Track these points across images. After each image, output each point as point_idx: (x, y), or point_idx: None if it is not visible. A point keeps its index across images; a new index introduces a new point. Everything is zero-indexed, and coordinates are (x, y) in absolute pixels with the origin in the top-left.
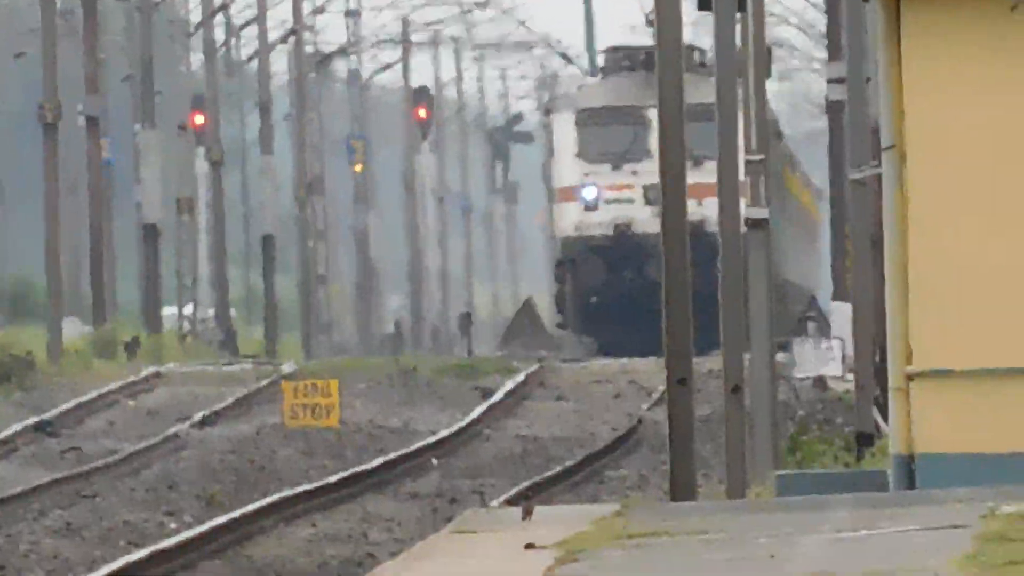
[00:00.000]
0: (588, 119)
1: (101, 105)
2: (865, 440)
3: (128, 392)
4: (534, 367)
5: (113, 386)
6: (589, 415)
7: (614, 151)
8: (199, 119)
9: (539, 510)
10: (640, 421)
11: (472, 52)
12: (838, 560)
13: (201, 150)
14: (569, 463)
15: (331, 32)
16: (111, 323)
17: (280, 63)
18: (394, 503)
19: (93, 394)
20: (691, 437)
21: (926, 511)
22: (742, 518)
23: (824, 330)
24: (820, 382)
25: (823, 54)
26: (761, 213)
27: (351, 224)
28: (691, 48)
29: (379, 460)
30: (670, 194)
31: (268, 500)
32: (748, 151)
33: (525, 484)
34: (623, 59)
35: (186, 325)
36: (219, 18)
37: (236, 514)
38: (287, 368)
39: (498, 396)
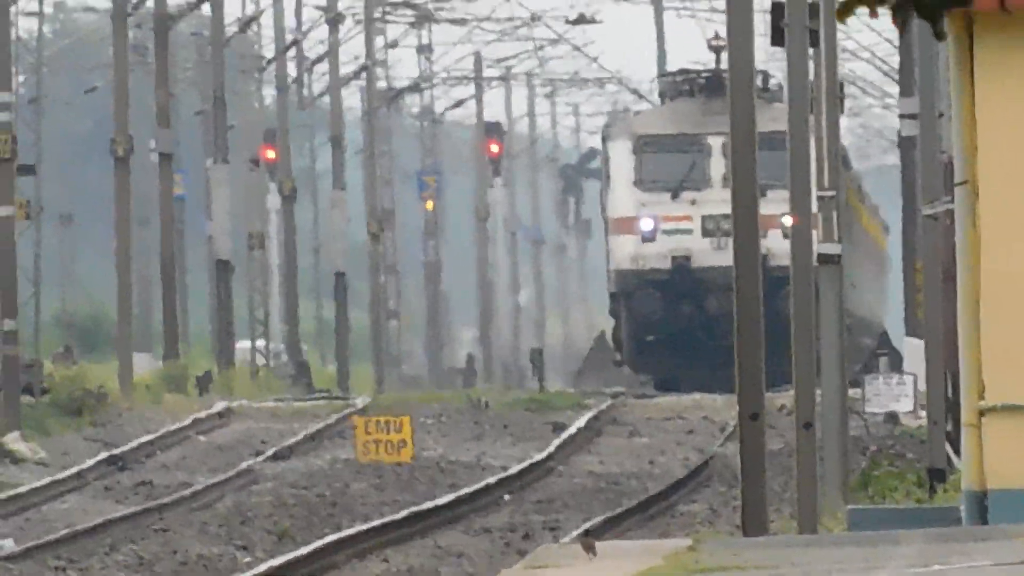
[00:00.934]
0: (646, 146)
1: (173, 140)
2: (937, 475)
3: (200, 427)
4: (607, 403)
5: (185, 421)
6: (661, 450)
7: (672, 180)
8: (271, 153)
9: (611, 544)
10: (712, 456)
11: (544, 88)
12: None
13: (273, 184)
14: (641, 498)
15: (403, 67)
16: (183, 357)
17: (352, 98)
18: (466, 537)
19: (165, 428)
20: (763, 472)
21: (999, 547)
22: (814, 552)
23: (896, 365)
24: (892, 418)
25: (895, 89)
26: (833, 249)
27: (423, 258)
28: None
29: (451, 495)
30: (742, 226)
31: (341, 534)
32: (820, 187)
33: (598, 519)
34: (683, 84)
35: (259, 359)
36: (291, 53)
37: (309, 548)
38: (359, 402)
39: (570, 431)
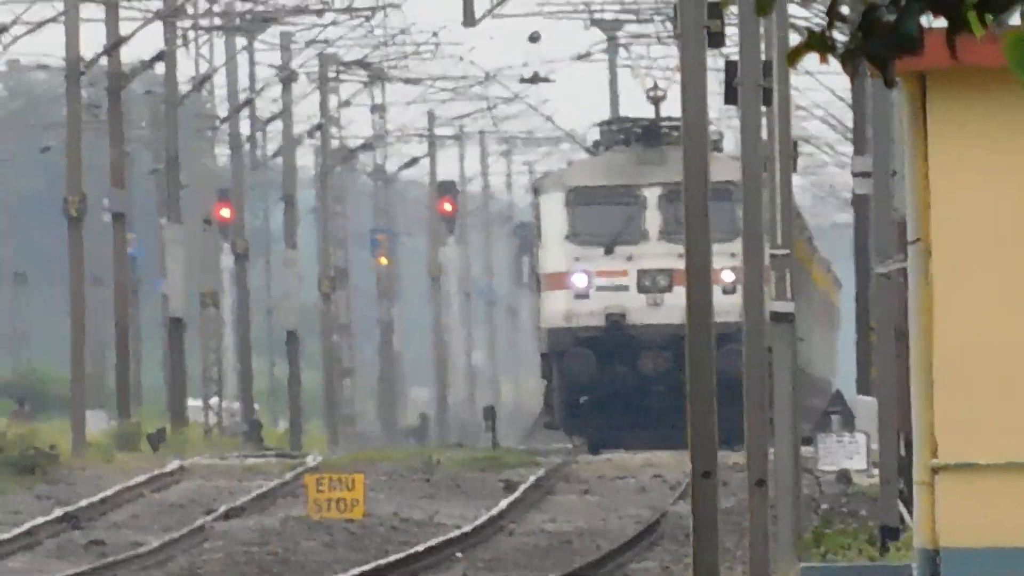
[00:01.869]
0: (578, 199)
1: (126, 199)
2: (890, 533)
3: (153, 485)
4: (560, 459)
5: (139, 479)
6: (613, 508)
7: (607, 234)
8: (225, 212)
9: None
10: (664, 514)
11: (499, 147)
12: None
13: (226, 244)
14: (593, 557)
15: (357, 127)
16: (136, 415)
17: (306, 157)
18: None
19: (118, 487)
20: (715, 529)
21: None
22: None
23: (848, 423)
24: (844, 476)
25: (849, 148)
26: (787, 307)
27: (377, 317)
28: None
29: (403, 553)
30: (696, 280)
31: None
32: (773, 244)
33: None
34: (618, 133)
35: (211, 417)
36: (245, 112)
37: None
38: (311, 461)
39: (521, 490)
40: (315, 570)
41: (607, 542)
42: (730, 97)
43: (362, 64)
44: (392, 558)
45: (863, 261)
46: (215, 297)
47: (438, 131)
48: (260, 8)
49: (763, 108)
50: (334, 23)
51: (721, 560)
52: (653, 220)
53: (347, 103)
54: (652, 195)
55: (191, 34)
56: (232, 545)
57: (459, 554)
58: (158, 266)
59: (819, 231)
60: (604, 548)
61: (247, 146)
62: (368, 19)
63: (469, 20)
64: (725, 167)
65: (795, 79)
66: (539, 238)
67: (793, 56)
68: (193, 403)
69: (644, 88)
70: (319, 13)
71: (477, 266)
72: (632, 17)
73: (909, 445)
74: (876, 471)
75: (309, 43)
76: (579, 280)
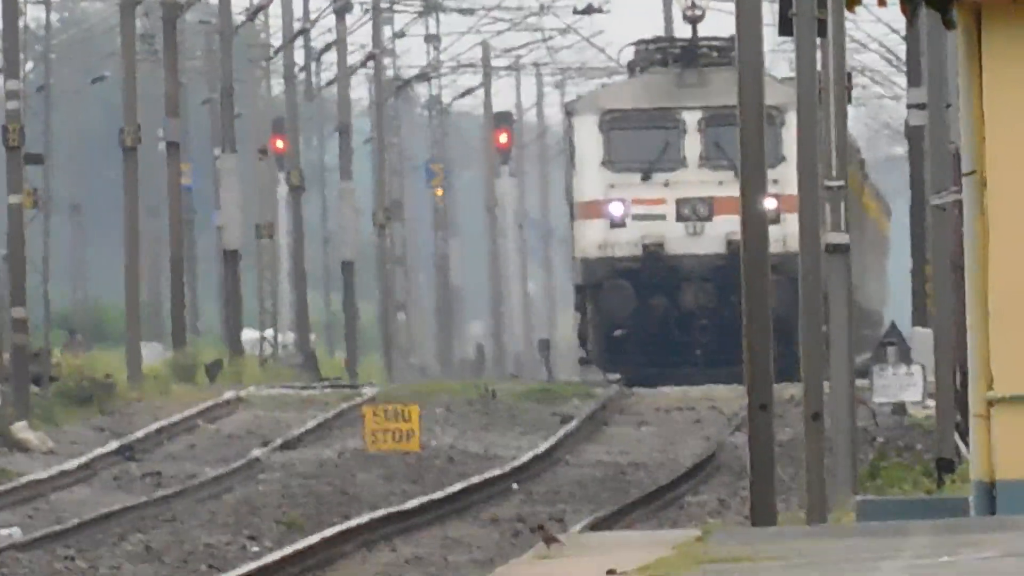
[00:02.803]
0: (614, 123)
1: (181, 129)
2: (946, 466)
3: (209, 416)
4: (615, 391)
5: (194, 410)
6: (670, 440)
7: (644, 159)
8: (279, 143)
9: (620, 535)
10: (720, 446)
11: (553, 78)
12: None
13: (281, 175)
14: (649, 489)
15: (411, 57)
16: (191, 347)
17: (360, 88)
18: (474, 528)
19: (174, 418)
20: (772, 463)
21: (1007, 537)
22: (822, 543)
23: (904, 355)
24: (900, 408)
25: (903, 80)
26: (841, 239)
27: (432, 249)
28: (734, 40)
29: (459, 485)
30: (749, 211)
31: (349, 524)
32: (828, 176)
33: (607, 511)
34: (655, 53)
35: (267, 349)
36: (299, 42)
37: (317, 538)
38: (368, 392)
39: (576, 422)
40: (371, 501)
41: (663, 474)
42: (784, 29)
43: None
44: (448, 490)
45: (918, 193)
46: (270, 229)
47: (493, 62)
48: None
49: (817, 40)
50: None
51: (777, 493)
52: (692, 145)
53: (401, 33)
54: (692, 119)
55: None
56: (288, 477)
57: (515, 485)
58: (213, 197)
59: (873, 164)
60: (660, 480)
61: (301, 76)
62: None
63: None
64: (768, 91)
65: (849, 12)
66: (572, 164)
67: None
68: (249, 334)
69: (681, 7)
70: None
71: (532, 198)
72: None
73: (966, 377)
74: (932, 404)
75: None
76: (615, 208)
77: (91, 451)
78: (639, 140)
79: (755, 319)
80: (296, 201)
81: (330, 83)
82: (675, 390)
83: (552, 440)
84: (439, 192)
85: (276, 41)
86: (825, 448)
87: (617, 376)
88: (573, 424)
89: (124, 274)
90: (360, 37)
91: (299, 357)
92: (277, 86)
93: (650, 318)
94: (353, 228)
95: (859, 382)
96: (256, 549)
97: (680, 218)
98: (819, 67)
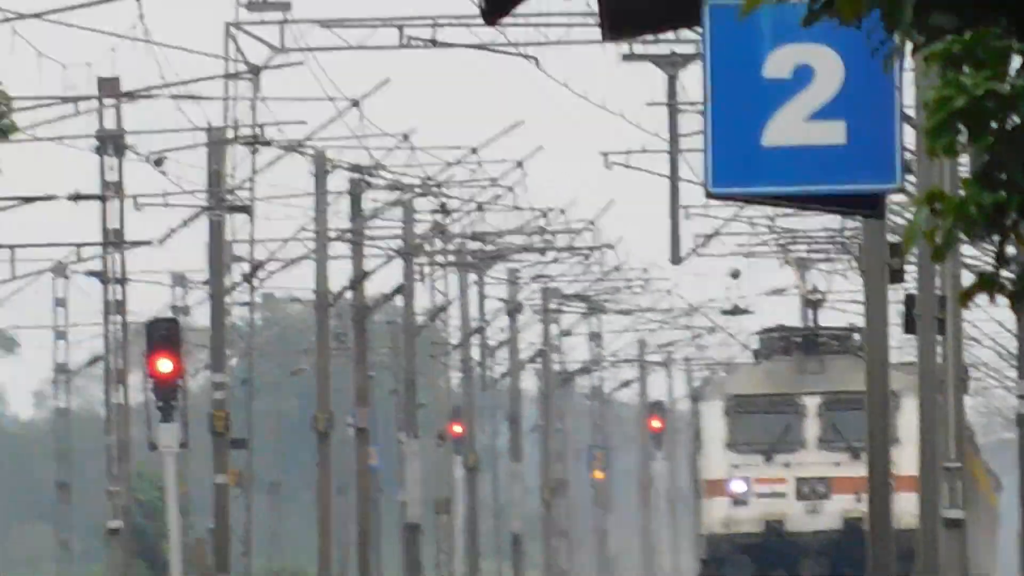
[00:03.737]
0: (739, 407)
1: (369, 417)
2: None
3: None
4: None
5: None
6: None
7: (766, 441)
8: (457, 428)
9: None
10: None
11: (701, 373)
12: None
13: (458, 457)
14: None
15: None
16: None
17: (529, 380)
18: None
19: None
20: None
21: None
22: None
23: None
24: None
25: (1014, 373)
26: (957, 514)
27: (591, 523)
28: (851, 330)
29: None
30: (877, 493)
31: None
32: (946, 458)
33: None
34: (778, 341)
35: None
36: (475, 339)
37: None
38: None
39: None
40: None
41: None
42: (909, 327)
43: (581, 297)
44: None
45: None
46: (448, 505)
47: (648, 357)
48: (489, 247)
49: (938, 337)
50: (556, 261)
51: None
52: (812, 428)
53: (567, 332)
54: (812, 403)
55: (427, 270)
56: None
57: None
58: (397, 477)
59: (987, 447)
60: None
61: (477, 369)
62: (586, 258)
63: (675, 258)
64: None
65: (966, 312)
66: (699, 445)
67: (965, 296)
68: None
69: (802, 292)
70: (542, 252)
71: (683, 478)
72: (821, 256)
73: None
74: None
75: (533, 278)
76: (738, 487)
77: None
78: (762, 423)
79: None
80: (471, 480)
81: (504, 376)
82: None
83: None
84: (598, 475)
85: (455, 338)
86: None
87: None
88: None
89: (318, 545)
90: (530, 335)
91: None
92: (455, 378)
93: None
94: (521, 504)
95: None
96: None
97: (800, 497)
98: (939, 360)
